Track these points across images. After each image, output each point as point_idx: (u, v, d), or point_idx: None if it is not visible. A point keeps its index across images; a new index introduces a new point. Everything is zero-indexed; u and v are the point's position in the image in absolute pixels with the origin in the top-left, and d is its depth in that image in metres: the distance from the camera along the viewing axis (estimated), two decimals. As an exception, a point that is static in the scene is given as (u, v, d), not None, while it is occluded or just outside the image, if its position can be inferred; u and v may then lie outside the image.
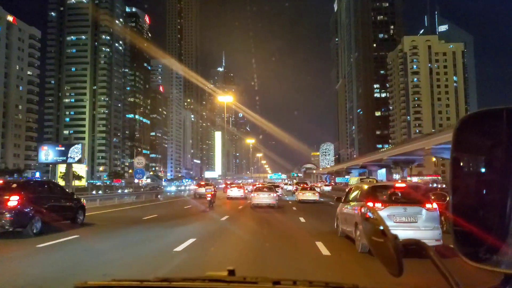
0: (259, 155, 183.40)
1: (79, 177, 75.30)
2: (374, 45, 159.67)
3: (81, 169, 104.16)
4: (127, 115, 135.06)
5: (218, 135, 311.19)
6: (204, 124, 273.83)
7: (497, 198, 0.81)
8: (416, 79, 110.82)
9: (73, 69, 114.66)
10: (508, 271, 0.83)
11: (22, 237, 9.20)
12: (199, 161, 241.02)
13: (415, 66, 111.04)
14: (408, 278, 1.23)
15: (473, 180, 0.92)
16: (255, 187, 27.98)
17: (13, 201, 9.15)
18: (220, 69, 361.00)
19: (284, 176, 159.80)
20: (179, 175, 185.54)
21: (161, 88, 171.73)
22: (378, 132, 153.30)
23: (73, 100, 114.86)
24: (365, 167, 77.66)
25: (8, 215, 8.98)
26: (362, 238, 7.29)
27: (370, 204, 7.46)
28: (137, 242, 9.49)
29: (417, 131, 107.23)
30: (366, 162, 71.19)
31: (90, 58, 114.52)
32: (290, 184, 60.43)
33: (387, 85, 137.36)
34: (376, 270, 4.53)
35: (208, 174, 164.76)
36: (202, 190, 28.12)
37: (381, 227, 0.95)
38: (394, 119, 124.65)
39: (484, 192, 0.88)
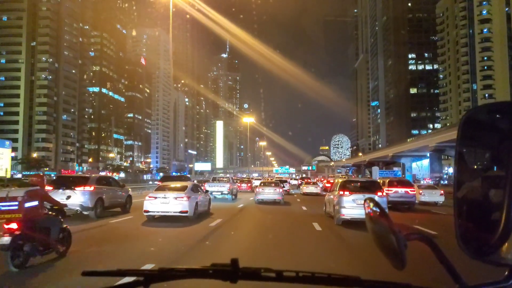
0: (262, 143, 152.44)
1: None
2: (409, 4, 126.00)
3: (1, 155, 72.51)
4: (89, 88, 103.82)
5: (219, 125, 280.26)
6: (202, 111, 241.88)
7: (502, 193, 0.80)
8: (486, 29, 77.37)
9: (4, 18, 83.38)
10: None
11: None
12: (194, 152, 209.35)
13: (484, 11, 77.59)
14: (411, 271, 1.22)
15: (478, 175, 0.91)
16: (244, 183, 32.78)
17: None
18: (224, 55, 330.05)
19: (292, 169, 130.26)
20: (167, 167, 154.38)
21: (142, 60, 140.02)
22: (413, 115, 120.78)
23: (3, 60, 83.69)
24: (441, 150, 43.90)
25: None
26: (336, 214, 11.29)
27: (341, 192, 11.32)
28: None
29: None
30: (445, 142, 38.27)
31: (28, 3, 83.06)
32: (296, 179, 59.13)
33: (435, 50, 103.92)
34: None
35: (198, 166, 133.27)
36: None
37: (385, 220, 0.93)
38: (446, 92, 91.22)
39: (490, 186, 0.86)
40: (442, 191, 20.86)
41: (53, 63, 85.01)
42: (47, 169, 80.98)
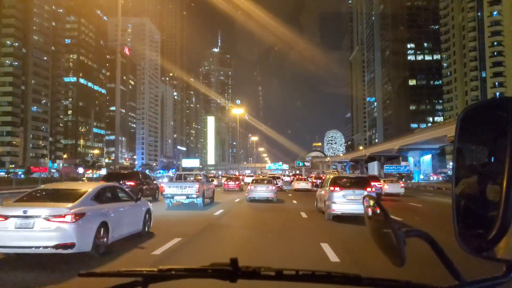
0: (254, 139, 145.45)
1: None
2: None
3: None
4: (65, 78, 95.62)
5: (211, 120, 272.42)
6: (192, 106, 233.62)
7: (499, 189, 0.80)
8: (496, 12, 70.86)
9: (-37, -3, 74.80)
10: (510, 261, 0.83)
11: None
12: (184, 148, 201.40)
13: (495, -8, 71.03)
14: (410, 268, 1.22)
15: (476, 171, 0.91)
16: (232, 181, 29.79)
17: None
18: (216, 50, 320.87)
19: (285, 166, 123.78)
20: (154, 164, 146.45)
21: (126, 50, 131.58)
22: (412, 107, 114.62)
23: (-37, 45, 75.11)
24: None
25: None
26: (327, 209, 11.22)
27: (332, 188, 11.32)
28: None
29: (498, 94, 67.69)
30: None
31: (-10, -20, 74.53)
32: (289, 176, 58.53)
33: (436, 40, 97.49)
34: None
35: (186, 163, 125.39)
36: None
37: (384, 217, 0.93)
38: (450, 82, 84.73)
39: (487, 182, 0.86)
40: (402, 184, 25.19)
41: (19, 48, 76.76)
42: (13, 166, 73.02)
